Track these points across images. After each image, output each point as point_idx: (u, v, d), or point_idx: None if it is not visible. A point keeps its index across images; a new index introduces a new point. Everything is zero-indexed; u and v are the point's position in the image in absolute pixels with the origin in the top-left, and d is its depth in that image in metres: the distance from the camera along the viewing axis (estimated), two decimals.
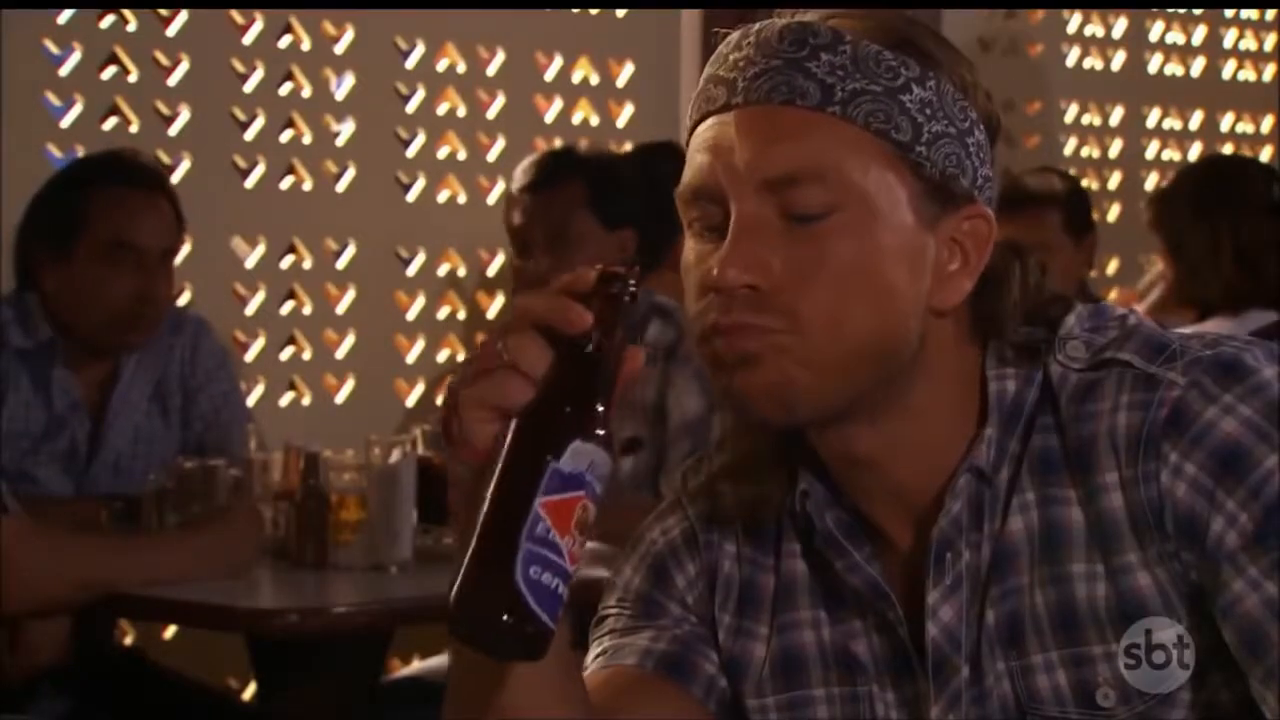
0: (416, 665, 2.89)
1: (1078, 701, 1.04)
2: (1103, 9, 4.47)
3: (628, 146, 3.53)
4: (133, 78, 2.98)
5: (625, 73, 3.57)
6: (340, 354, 3.20)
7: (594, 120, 3.53)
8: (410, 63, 3.27)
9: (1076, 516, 1.04)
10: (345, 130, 3.19)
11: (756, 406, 1.03)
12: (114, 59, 2.98)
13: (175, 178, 2.94)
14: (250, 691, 2.86)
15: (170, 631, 2.96)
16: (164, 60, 3.02)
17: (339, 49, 3.18)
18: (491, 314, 3.37)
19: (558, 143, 3.37)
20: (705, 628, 1.13)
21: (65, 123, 2.94)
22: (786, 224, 1.03)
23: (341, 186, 3.19)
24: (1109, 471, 1.03)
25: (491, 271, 3.38)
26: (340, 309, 3.20)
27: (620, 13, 3.55)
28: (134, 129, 2.98)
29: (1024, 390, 1.06)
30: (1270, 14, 4.52)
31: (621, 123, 3.56)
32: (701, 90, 1.07)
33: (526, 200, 2.77)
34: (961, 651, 1.06)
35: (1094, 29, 4.42)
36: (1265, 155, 4.49)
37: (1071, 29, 4.43)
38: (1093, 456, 1.04)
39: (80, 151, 2.87)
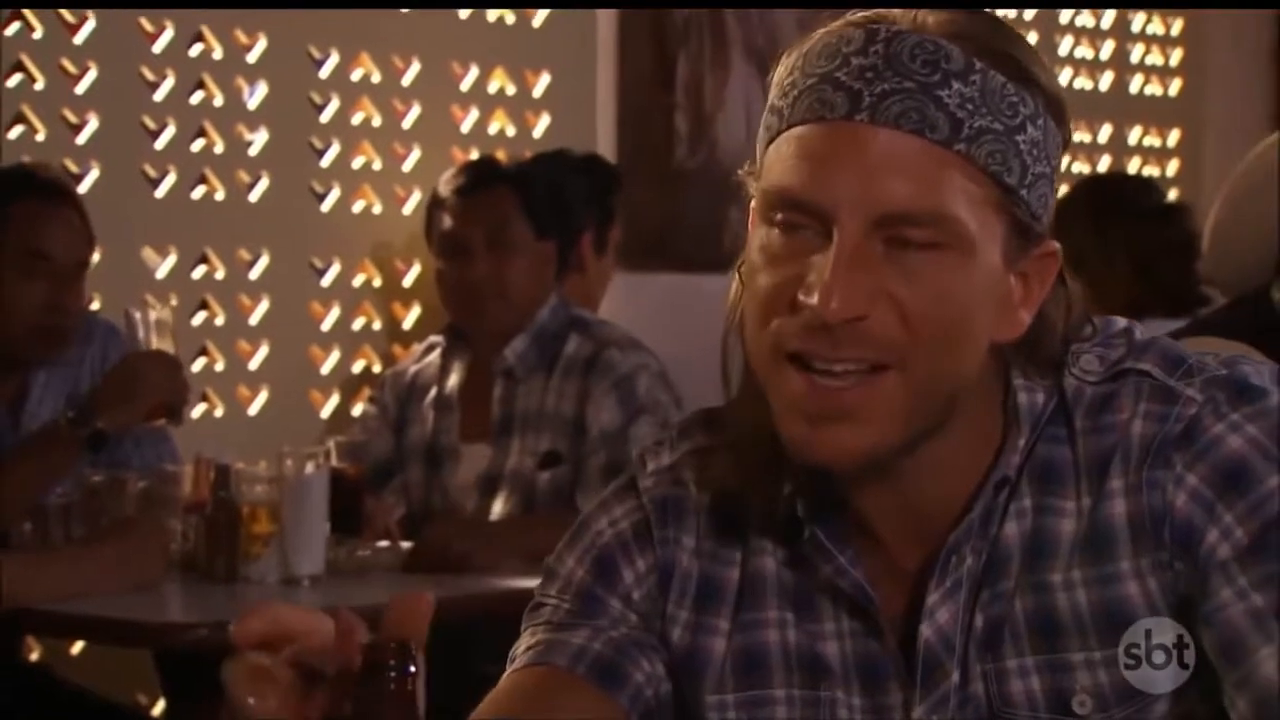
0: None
1: (1051, 708, 1.05)
2: (1012, 22, 4.52)
3: None
4: (39, 85, 2.94)
5: (541, 83, 3.56)
6: (254, 365, 3.17)
7: (510, 130, 3.52)
8: (324, 72, 3.25)
9: (1068, 527, 1.05)
10: (258, 140, 3.17)
11: (830, 457, 1.01)
12: (19, 66, 2.94)
13: (84, 187, 2.90)
14: (160, 708, 2.82)
15: (78, 647, 2.92)
16: (71, 68, 2.98)
17: (251, 58, 3.15)
18: (407, 324, 3.36)
19: (474, 153, 3.37)
20: (647, 627, 1.11)
21: None
22: (887, 250, 1.00)
23: (255, 196, 3.16)
24: (1117, 478, 1.04)
25: (408, 282, 3.36)
26: (253, 320, 3.17)
27: (536, 22, 3.55)
28: (40, 137, 2.94)
29: (1049, 402, 1.06)
30: (1176, 29, 4.60)
31: (538, 133, 3.56)
32: (812, 89, 1.01)
33: (459, 204, 2.75)
34: (954, 655, 1.06)
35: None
36: (1172, 168, 4.56)
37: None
38: (1106, 463, 1.04)
39: None
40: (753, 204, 1.05)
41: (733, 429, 1.10)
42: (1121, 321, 1.10)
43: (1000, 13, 4.40)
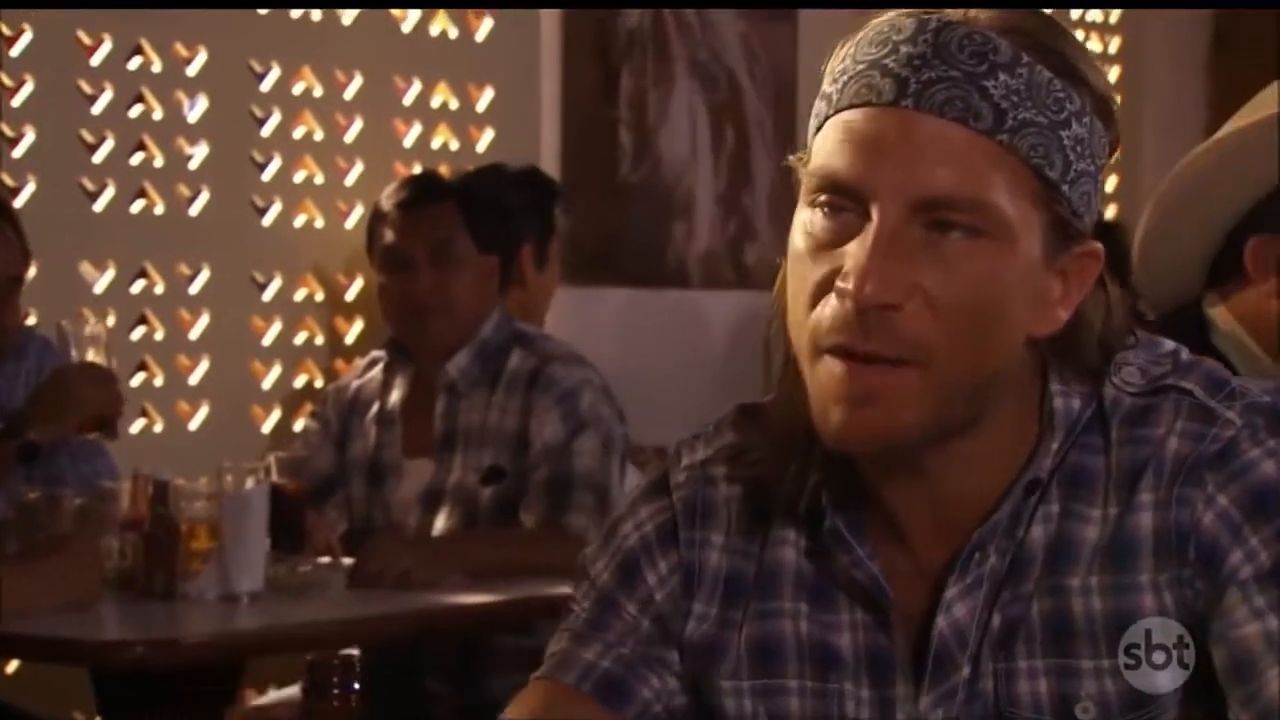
0: (272, 695, 2.84)
1: (1055, 712, 1.05)
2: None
3: None
4: None
5: (485, 97, 3.56)
6: (194, 380, 3.15)
7: (454, 145, 3.51)
8: (266, 85, 3.23)
9: (1091, 534, 1.05)
10: (198, 154, 3.14)
11: (856, 439, 1.03)
12: None
13: (20, 201, 2.87)
14: None
15: (13, 665, 2.88)
16: (8, 81, 2.95)
17: (191, 71, 3.13)
18: (350, 339, 3.34)
19: (417, 167, 3.36)
20: (665, 630, 1.13)
21: None
22: (925, 235, 1.01)
23: (195, 210, 3.13)
24: (1147, 491, 1.04)
25: (350, 296, 3.35)
26: (193, 334, 3.15)
27: (480, 37, 3.55)
28: None
29: (1085, 409, 1.07)
30: (1115, 17, 4.65)
31: (482, 147, 3.55)
32: (861, 74, 1.03)
33: (401, 218, 2.74)
34: (967, 650, 1.07)
35: None
36: (1111, 184, 4.60)
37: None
38: (1138, 477, 1.05)
39: None
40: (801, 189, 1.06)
41: (769, 418, 1.11)
42: (1169, 343, 1.10)
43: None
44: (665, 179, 4.03)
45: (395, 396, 2.79)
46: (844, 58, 1.05)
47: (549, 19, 3.71)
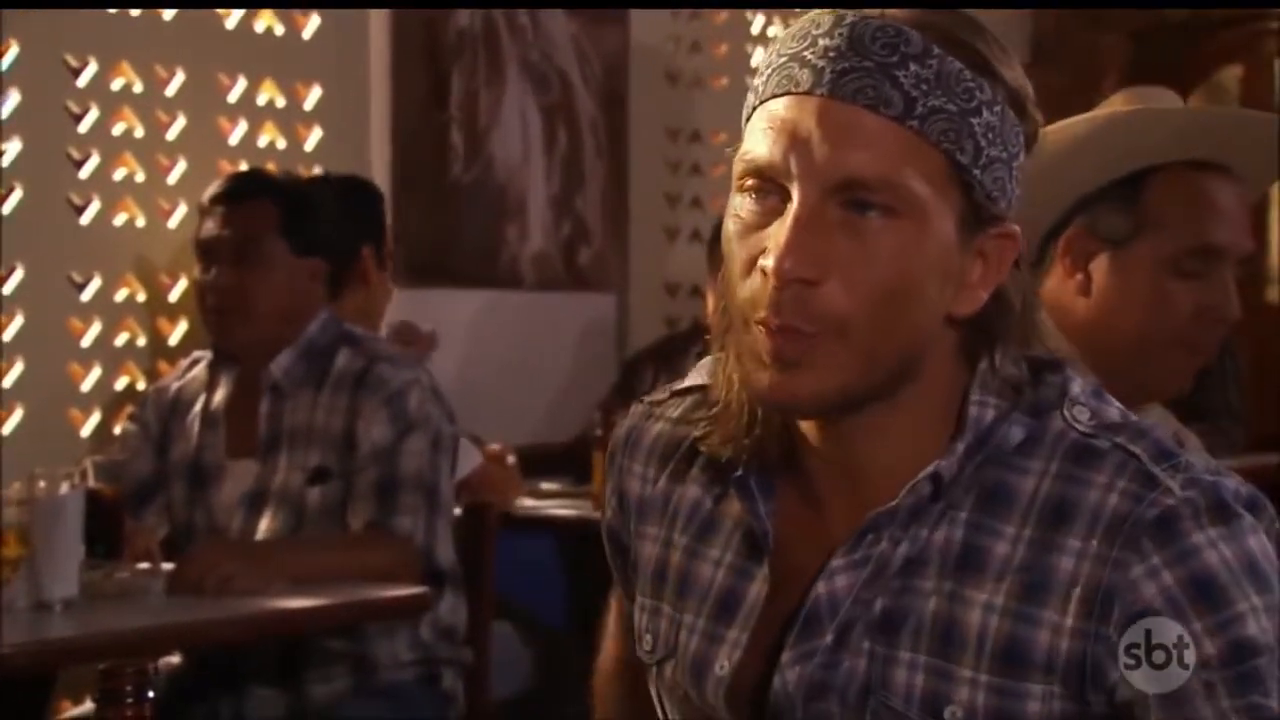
0: (89, 705, 2.77)
1: (924, 708, 1.09)
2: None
3: (317, 170, 3.48)
4: None
5: (313, 96, 3.51)
6: (7, 383, 3.05)
7: (281, 143, 3.46)
8: (82, 81, 3.15)
9: (1001, 550, 1.09)
10: (10, 150, 3.05)
11: (783, 400, 1.09)
12: None
13: None
14: None
15: None
16: None
17: (3, 65, 3.04)
18: (174, 340, 3.27)
19: (243, 165, 3.30)
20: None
21: None
22: (843, 214, 1.07)
23: (7, 209, 3.04)
24: (1076, 538, 1.08)
25: (174, 296, 3.28)
26: (7, 336, 3.05)
27: (306, 34, 3.50)
28: None
29: (999, 423, 1.11)
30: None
31: (310, 146, 3.50)
32: (781, 65, 1.10)
33: (217, 212, 2.70)
34: (836, 620, 1.11)
35: None
36: None
37: (755, 63, 4.58)
38: (1066, 516, 1.09)
39: None
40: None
41: (716, 390, 1.17)
42: (1117, 405, 1.14)
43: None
44: (497, 180, 4.02)
45: (218, 397, 2.73)
46: (770, 53, 1.12)
47: (378, 18, 3.67)
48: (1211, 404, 3.85)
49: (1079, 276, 1.64)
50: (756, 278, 1.08)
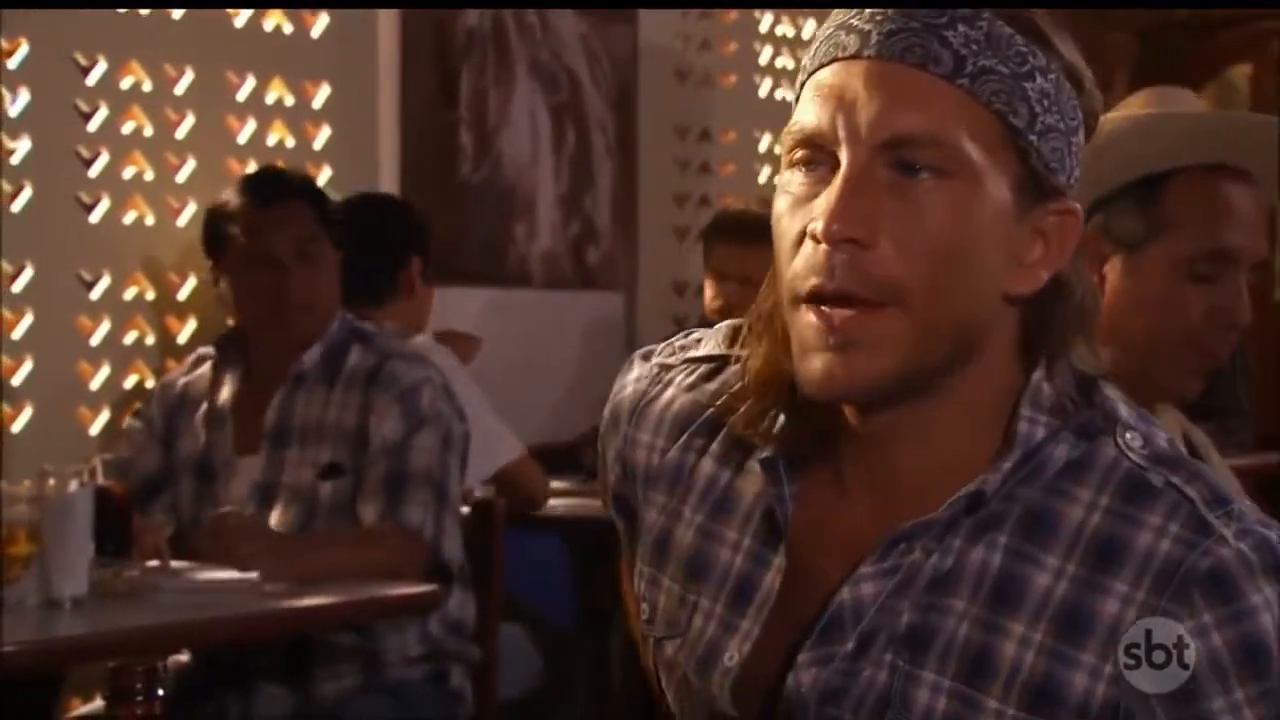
0: (99, 703, 2.77)
1: None
2: (791, 42, 4.65)
3: (326, 169, 3.49)
4: None
5: (321, 94, 3.52)
6: (17, 381, 3.06)
7: (290, 142, 3.46)
8: (91, 80, 3.15)
9: (1043, 581, 1.05)
10: (20, 149, 3.06)
11: (836, 385, 1.04)
12: None
13: None
14: None
15: None
16: None
17: (12, 64, 3.04)
18: (182, 338, 3.27)
19: (252, 164, 3.30)
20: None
21: None
22: (893, 176, 1.03)
23: (17, 207, 3.05)
24: (1124, 582, 1.04)
25: (182, 295, 3.28)
26: (16, 335, 3.06)
27: (315, 33, 3.50)
28: None
29: (1048, 442, 1.07)
30: (808, 31, 4.71)
31: (318, 145, 3.51)
32: (829, 36, 1.07)
33: (259, 216, 2.69)
34: (859, 627, 1.07)
35: (785, 61, 4.61)
36: None
37: (764, 61, 4.60)
38: (1114, 557, 1.04)
39: None
40: None
41: (746, 367, 1.13)
42: (1165, 434, 1.10)
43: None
44: (506, 179, 4.02)
45: (225, 394, 2.74)
46: (820, 30, 1.10)
47: (386, 17, 3.67)
48: (1220, 402, 3.85)
49: (1093, 279, 1.64)
50: (807, 245, 1.04)
